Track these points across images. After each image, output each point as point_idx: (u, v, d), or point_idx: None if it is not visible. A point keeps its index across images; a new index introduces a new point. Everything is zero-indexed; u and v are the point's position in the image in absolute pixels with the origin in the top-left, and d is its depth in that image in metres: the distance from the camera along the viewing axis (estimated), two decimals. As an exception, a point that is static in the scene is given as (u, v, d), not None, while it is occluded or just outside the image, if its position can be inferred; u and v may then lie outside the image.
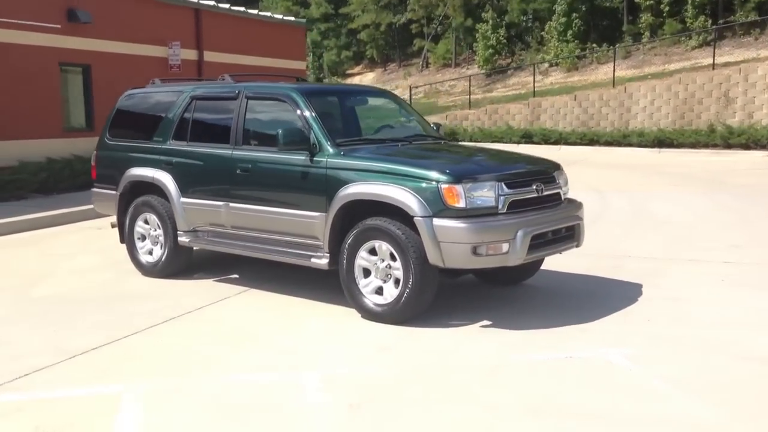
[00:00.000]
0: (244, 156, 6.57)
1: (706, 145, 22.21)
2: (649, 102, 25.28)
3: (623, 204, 12.19)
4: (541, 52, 35.29)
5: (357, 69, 47.08)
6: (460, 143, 7.21)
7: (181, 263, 7.33)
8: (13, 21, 13.70)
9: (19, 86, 13.78)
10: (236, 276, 7.39)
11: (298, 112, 6.30)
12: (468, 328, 5.70)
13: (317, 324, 5.84)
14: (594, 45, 33.03)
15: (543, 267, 7.57)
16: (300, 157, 6.17)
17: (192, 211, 6.99)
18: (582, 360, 4.96)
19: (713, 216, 10.86)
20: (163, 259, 7.28)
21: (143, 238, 7.46)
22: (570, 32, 33.20)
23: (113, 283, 7.23)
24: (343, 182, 5.89)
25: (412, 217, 5.52)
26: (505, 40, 36.20)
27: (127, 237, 7.57)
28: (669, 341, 5.32)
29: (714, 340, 5.36)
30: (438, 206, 5.48)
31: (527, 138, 25.85)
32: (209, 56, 18.60)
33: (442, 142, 7.00)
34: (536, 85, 31.25)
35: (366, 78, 44.71)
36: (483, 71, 35.85)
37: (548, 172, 6.24)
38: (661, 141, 22.89)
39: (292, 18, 22.91)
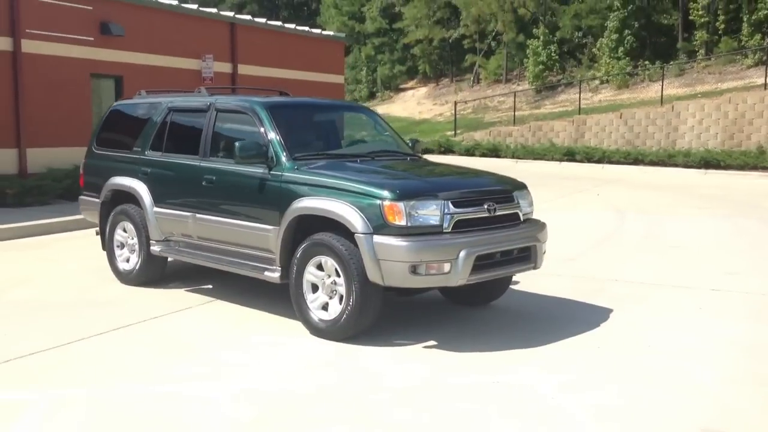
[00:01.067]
0: (210, 167, 6.64)
1: (754, 167, 21.49)
2: (698, 121, 24.61)
3: (638, 226, 11.87)
4: (592, 69, 34.73)
5: (410, 84, 47.16)
6: (429, 160, 7.10)
7: (156, 272, 7.43)
8: (48, 33, 14.20)
9: (51, 96, 14.25)
10: (209, 286, 7.46)
11: (259, 125, 6.35)
12: (411, 348, 5.61)
13: (265, 338, 5.83)
14: (646, 62, 32.33)
15: (519, 288, 7.47)
16: (258, 170, 6.21)
17: (164, 221, 7.10)
18: (507, 386, 4.82)
19: (727, 241, 10.48)
20: (137, 267, 7.40)
21: (122, 246, 7.60)
22: (621, 49, 32.59)
23: (89, 289, 7.38)
24: (296, 196, 5.89)
25: (353, 233, 5.49)
26: (556, 57, 35.77)
27: (107, 244, 7.73)
28: (609, 369, 5.14)
29: (658, 369, 5.15)
30: (379, 223, 5.42)
31: (570, 156, 25.42)
32: (243, 69, 18.91)
33: (408, 158, 6.93)
34: (585, 102, 30.76)
35: (418, 93, 44.74)
36: (532, 87, 35.49)
37: (506, 191, 6.12)
38: (708, 162, 22.22)
39: (331, 33, 23.11)
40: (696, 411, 4.43)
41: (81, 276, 7.94)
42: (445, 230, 5.53)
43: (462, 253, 5.45)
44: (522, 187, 6.35)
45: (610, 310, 6.70)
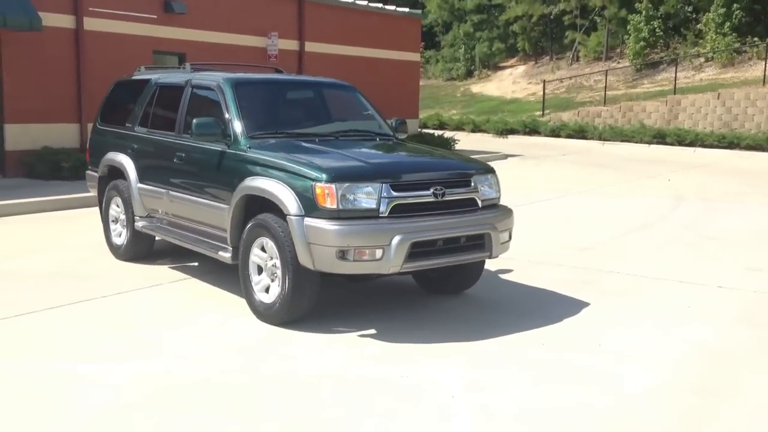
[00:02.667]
0: (181, 144, 6.66)
1: None
2: (802, 103, 22.81)
3: (687, 215, 11.13)
4: (697, 45, 32.76)
5: (510, 62, 46.06)
6: (401, 142, 6.82)
7: (143, 247, 7.55)
8: (110, 11, 14.67)
9: (113, 73, 14.68)
10: (195, 264, 7.51)
11: (222, 102, 6.30)
12: (344, 335, 5.44)
13: (213, 319, 5.80)
14: (755, 39, 30.17)
15: (507, 277, 7.20)
16: (218, 148, 6.18)
17: (146, 197, 7.19)
18: (413, 381, 4.59)
19: (774, 234, 9.65)
20: (125, 242, 7.54)
21: (116, 220, 7.76)
22: (728, 24, 30.51)
23: (81, 261, 7.59)
24: (245, 175, 5.81)
25: (286, 215, 5.36)
26: (660, 32, 33.93)
27: (103, 219, 7.92)
28: (536, 369, 4.81)
29: (588, 372, 4.77)
30: (311, 206, 5.27)
31: (660, 138, 24.18)
32: (311, 47, 18.95)
33: (377, 138, 6.69)
34: (685, 81, 29.13)
35: (516, 71, 43.63)
36: (632, 65, 33.88)
37: (463, 175, 5.80)
38: (811, 148, 20.62)
39: (407, 9, 22.78)
40: (594, 424, 4.06)
41: (82, 249, 8.16)
42: (381, 215, 5.31)
43: (395, 240, 5.21)
44: (485, 171, 6.02)
45: (587, 305, 6.29)
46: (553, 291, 6.74)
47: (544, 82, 32.24)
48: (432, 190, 5.51)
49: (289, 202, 5.35)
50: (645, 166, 18.94)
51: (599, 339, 5.42)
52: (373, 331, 5.54)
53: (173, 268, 7.39)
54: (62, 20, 13.98)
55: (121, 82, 8.24)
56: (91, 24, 14.33)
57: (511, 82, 40.96)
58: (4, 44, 13.16)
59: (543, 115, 30.09)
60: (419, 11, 23.78)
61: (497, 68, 45.29)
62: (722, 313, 6.12)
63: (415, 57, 22.82)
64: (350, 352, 5.08)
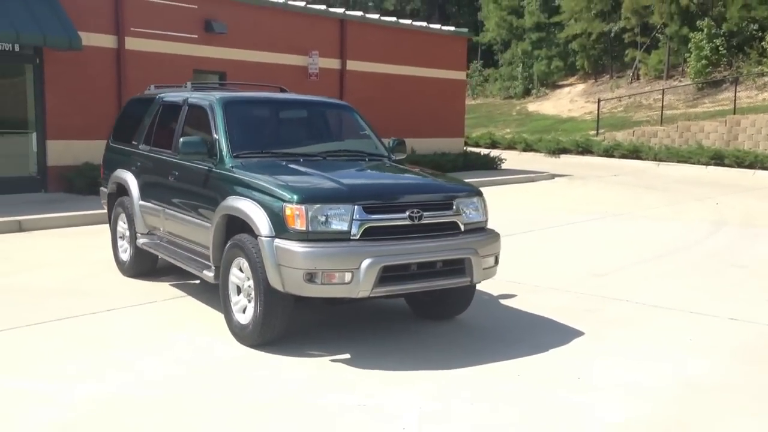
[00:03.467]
0: (176, 162, 6.68)
1: None
2: None
3: (722, 241, 10.67)
4: (761, 64, 31.65)
5: (570, 80, 45.39)
6: (392, 163, 6.67)
7: (146, 264, 7.59)
8: (152, 31, 15.01)
9: (153, 91, 15.05)
10: (196, 282, 7.50)
11: (212, 120, 6.31)
12: (316, 360, 5.32)
13: (190, 339, 5.74)
14: (824, 57, 28.98)
15: (507, 302, 7.00)
16: (205, 167, 6.18)
17: (146, 215, 7.25)
18: (369, 410, 4.44)
19: (810, 262, 9.13)
20: (129, 259, 7.61)
21: (123, 237, 7.85)
22: (794, 42, 29.41)
23: (87, 277, 7.67)
24: (226, 194, 5.79)
25: (257, 236, 5.30)
26: (724, 50, 32.93)
27: (111, 235, 8.02)
28: (501, 402, 4.60)
29: (557, 407, 4.54)
30: (281, 227, 5.20)
31: (717, 159, 23.42)
32: (352, 65, 19.01)
33: (367, 158, 6.57)
34: (748, 101, 28.16)
35: (575, 90, 42.94)
36: (693, 84, 32.94)
37: (445, 198, 5.64)
38: None
39: (452, 28, 22.66)
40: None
41: (94, 265, 8.26)
42: (353, 237, 5.19)
43: (364, 263, 5.09)
44: (470, 194, 5.84)
45: (581, 335, 6.03)
46: (551, 319, 6.49)
47: (599, 100, 31.62)
48: (408, 213, 5.36)
49: (261, 222, 5.30)
50: (696, 188, 18.32)
51: (581, 371, 5.17)
52: (347, 356, 5.41)
53: (174, 285, 7.41)
54: (104, 40, 14.36)
55: (132, 100, 8.36)
56: (132, 44, 14.68)
57: (568, 101, 40.34)
58: (47, 63, 13.58)
59: (597, 134, 29.49)
60: (465, 30, 23.61)
61: (555, 86, 44.71)
62: (724, 347, 5.78)
63: (461, 76, 22.66)
64: (315, 377, 4.96)
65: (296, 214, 5.13)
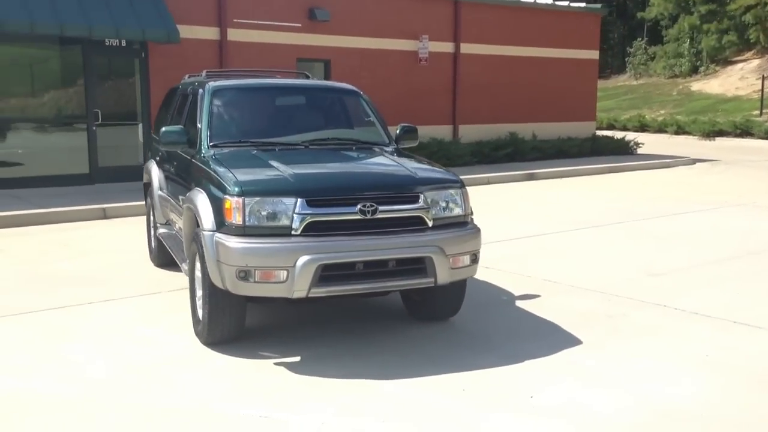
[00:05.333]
0: (174, 153, 6.60)
1: None
2: None
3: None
4: None
5: (745, 55, 41.62)
6: (382, 153, 6.13)
7: (168, 254, 7.59)
8: (255, 22, 15.24)
9: (256, 80, 15.28)
10: (215, 272, 7.42)
11: (199, 108, 6.17)
12: (260, 363, 5.01)
13: (154, 334, 5.56)
14: None
15: (523, 303, 6.43)
16: (188, 157, 6.06)
17: (162, 205, 7.26)
18: (269, 422, 4.08)
19: None
20: (153, 249, 7.67)
21: (153, 226, 7.93)
22: None
23: (117, 266, 7.80)
24: (194, 186, 5.62)
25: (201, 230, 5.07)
26: None
27: (146, 224, 8.13)
28: (420, 421, 4.08)
29: (478, 428, 3.96)
30: (221, 220, 4.94)
31: None
32: (467, 48, 18.35)
33: (354, 147, 6.12)
34: None
35: (749, 66, 39.33)
36: None
37: (408, 190, 5.12)
38: None
39: (583, 5, 21.28)
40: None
41: (131, 253, 8.37)
42: (294, 233, 4.83)
43: (300, 261, 4.71)
44: (445, 185, 5.28)
45: (578, 344, 5.33)
46: (557, 325, 5.79)
47: (764, 77, 28.66)
48: (359, 207, 4.91)
49: (206, 216, 5.07)
50: None
51: (539, 389, 4.51)
52: (296, 359, 5.07)
53: (190, 276, 7.37)
54: (207, 32, 14.76)
55: (169, 91, 8.41)
56: (234, 35, 14.98)
57: (737, 78, 37.06)
58: (152, 56, 14.15)
59: (761, 114, 26.78)
60: (598, 6, 22.12)
61: (727, 63, 41.24)
62: (742, 369, 4.86)
63: (592, 55, 21.30)
64: (240, 383, 4.65)
65: (234, 207, 4.85)
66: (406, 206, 5.07)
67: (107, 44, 13.66)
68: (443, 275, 5.06)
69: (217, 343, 5.26)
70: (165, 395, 4.46)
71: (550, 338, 5.46)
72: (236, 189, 4.87)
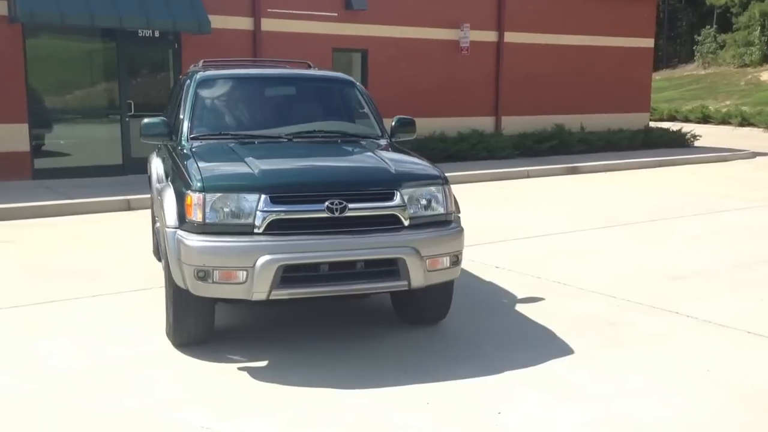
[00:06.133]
0: (163, 145, 6.41)
1: None
2: None
3: None
4: None
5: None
6: (368, 146, 5.77)
7: (166, 249, 7.45)
8: (290, 12, 15.05)
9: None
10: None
11: (183, 99, 5.97)
12: (224, 367, 4.76)
13: (124, 333, 5.36)
14: None
15: (523, 307, 6.06)
16: (169, 150, 5.86)
17: (155, 199, 7.09)
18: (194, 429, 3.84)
19: None
20: (155, 242, 7.52)
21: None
22: None
23: (121, 259, 7.67)
24: (170, 179, 5.41)
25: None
26: None
27: (150, 218, 8.00)
28: (363, 439, 3.78)
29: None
30: (182, 217, 4.71)
31: None
32: (511, 37, 17.79)
33: (339, 140, 5.80)
34: None
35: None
36: None
37: (382, 187, 4.79)
38: None
39: (636, -10, 20.42)
40: None
41: (141, 247, 8.28)
42: (256, 231, 4.56)
43: (260, 261, 4.44)
44: (426, 182, 4.93)
45: (566, 354, 4.95)
46: (552, 331, 5.39)
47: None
48: (326, 204, 4.61)
49: (170, 211, 4.85)
50: None
51: (509, 405, 4.15)
52: (263, 364, 4.81)
53: (188, 271, 7.18)
54: (241, 22, 14.62)
55: (175, 81, 8.24)
56: (268, 25, 14.81)
57: (809, 68, 35.27)
58: (185, 47, 14.09)
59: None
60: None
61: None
62: (744, 386, 4.39)
63: (647, 43, 20.44)
64: (196, 388, 4.42)
65: (195, 203, 4.61)
66: (379, 204, 4.75)
67: (140, 35, 13.65)
68: (418, 278, 4.72)
69: (185, 345, 5.05)
70: (113, 399, 4.26)
71: (540, 347, 5.07)
72: (198, 184, 4.63)
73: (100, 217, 10.34)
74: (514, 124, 17.93)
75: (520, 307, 6.00)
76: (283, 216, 4.58)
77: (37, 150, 13.33)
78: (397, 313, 5.67)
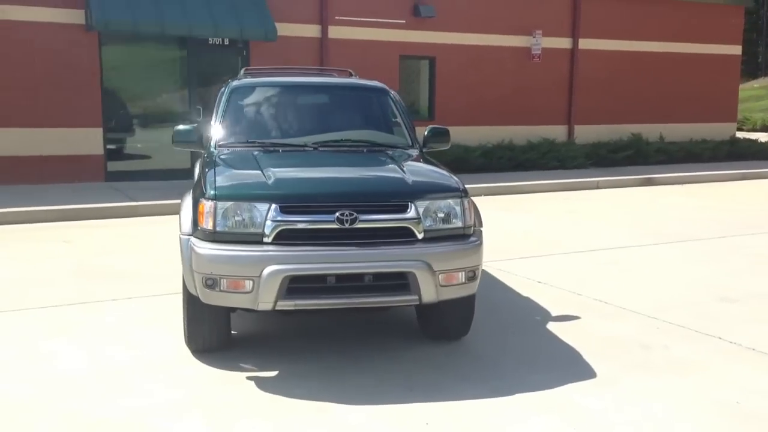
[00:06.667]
0: (201, 151, 6.47)
1: None
2: None
3: None
4: None
5: None
6: (393, 156, 5.60)
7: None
8: (358, 19, 15.08)
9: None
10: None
11: (216, 107, 6.02)
12: (227, 375, 4.73)
13: (141, 337, 5.37)
14: None
15: (554, 326, 5.86)
16: (198, 158, 5.92)
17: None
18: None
19: None
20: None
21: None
22: None
23: (160, 263, 7.76)
24: (194, 186, 5.44)
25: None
26: None
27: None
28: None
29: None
30: (196, 224, 4.72)
31: None
32: (586, 44, 17.32)
33: (365, 149, 5.69)
34: None
35: None
36: None
37: (397, 199, 4.66)
38: None
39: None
40: None
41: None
42: (265, 240, 4.52)
43: (266, 271, 4.40)
44: (442, 194, 4.77)
45: (589, 378, 4.69)
46: (579, 353, 5.13)
47: None
48: (337, 215, 4.52)
49: (185, 219, 4.87)
50: None
51: (513, 429, 3.95)
52: (273, 374, 4.75)
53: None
54: (308, 30, 14.76)
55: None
56: (335, 32, 14.88)
57: None
58: (253, 55, 14.31)
59: None
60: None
61: None
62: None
63: (734, 50, 19.56)
64: (196, 396, 4.38)
65: (207, 211, 4.60)
66: (391, 216, 4.63)
67: (210, 43, 13.96)
68: (429, 293, 4.57)
69: (201, 352, 5.05)
70: (109, 403, 4.27)
71: (562, 369, 4.83)
72: (211, 192, 4.63)
73: (159, 220, 10.56)
74: (587, 132, 17.45)
75: (551, 326, 5.76)
76: (291, 226, 4.52)
77: (110, 153, 13.79)
78: (420, 327, 5.53)
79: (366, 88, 6.44)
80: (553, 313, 6.08)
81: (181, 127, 5.87)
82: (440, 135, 6.06)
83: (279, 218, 4.51)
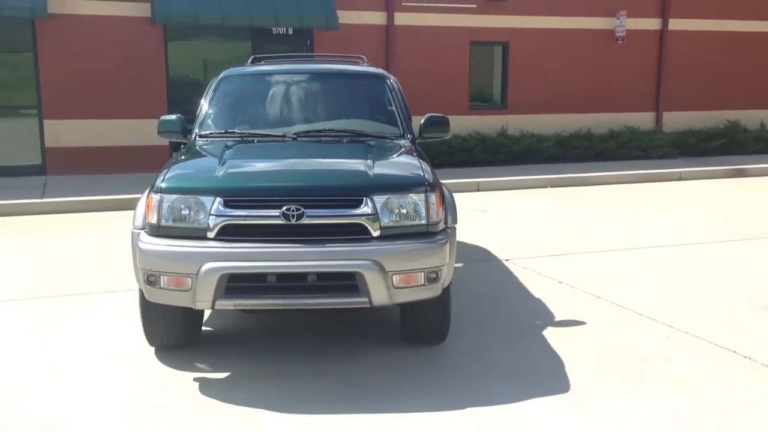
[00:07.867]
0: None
1: None
2: None
3: None
4: None
5: None
6: (382, 149, 5.19)
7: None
8: (425, 5, 14.64)
9: (425, 66, 14.70)
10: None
11: (204, 96, 5.85)
12: (181, 374, 4.54)
13: (118, 333, 5.19)
14: None
15: (555, 332, 5.38)
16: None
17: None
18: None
19: None
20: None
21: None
22: None
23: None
24: (163, 179, 5.28)
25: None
26: None
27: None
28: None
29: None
30: (144, 219, 4.54)
31: None
32: (677, 24, 16.15)
33: (345, 140, 5.31)
34: None
35: None
36: None
37: (349, 194, 4.31)
38: None
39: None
40: None
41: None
42: (209, 235, 4.29)
43: (203, 269, 4.16)
44: (403, 189, 4.38)
45: (564, 392, 4.19)
46: (567, 363, 4.65)
47: None
48: (283, 210, 4.23)
49: (138, 212, 4.69)
50: None
51: (439, 452, 3.56)
52: (223, 375, 4.53)
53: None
54: (374, 17, 14.45)
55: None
56: (401, 19, 14.50)
57: None
58: (317, 43, 14.17)
59: None
60: None
61: None
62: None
63: None
64: (134, 397, 4.22)
65: (153, 205, 4.42)
66: (341, 211, 4.29)
67: (274, 32, 13.91)
68: (380, 295, 4.20)
69: (162, 349, 4.89)
70: (46, 401, 4.17)
71: (534, 382, 4.36)
72: (159, 185, 4.45)
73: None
74: (678, 120, 16.32)
75: (550, 332, 5.26)
76: (234, 221, 4.26)
77: (175, 145, 13.98)
78: (400, 330, 5.15)
79: (361, 75, 6.10)
80: (559, 318, 5.57)
81: (166, 116, 5.73)
82: (438, 124, 5.65)
83: (222, 213, 4.26)
